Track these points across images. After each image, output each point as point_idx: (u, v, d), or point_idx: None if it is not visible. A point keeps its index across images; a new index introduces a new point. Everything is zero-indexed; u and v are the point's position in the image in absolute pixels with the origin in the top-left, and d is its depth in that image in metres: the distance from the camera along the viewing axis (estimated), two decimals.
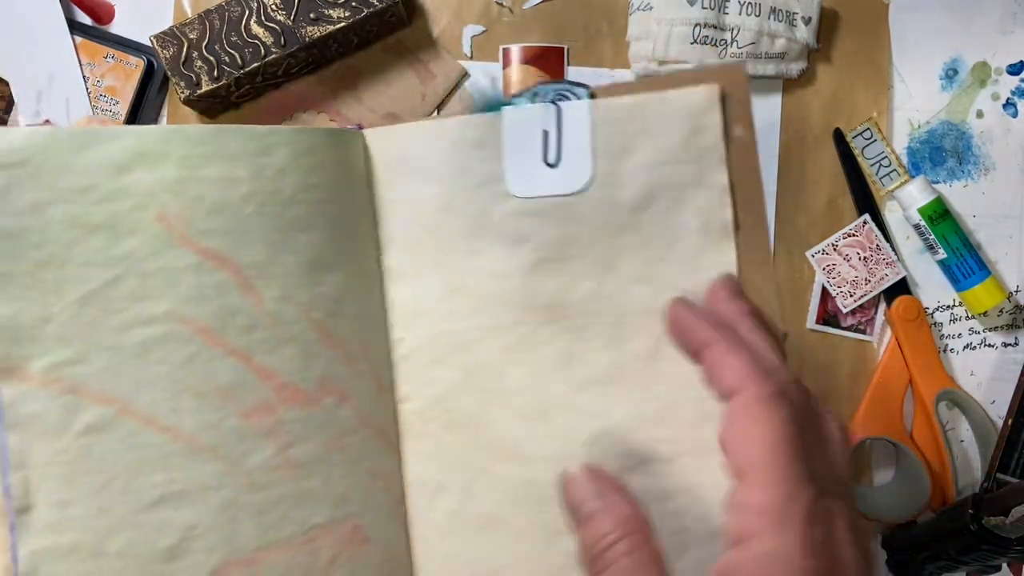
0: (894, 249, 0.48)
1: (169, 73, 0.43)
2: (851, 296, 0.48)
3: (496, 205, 0.35)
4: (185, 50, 0.43)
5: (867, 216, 0.48)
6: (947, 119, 0.49)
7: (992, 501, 0.42)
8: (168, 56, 0.43)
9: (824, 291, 0.48)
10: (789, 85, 0.48)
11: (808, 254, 0.48)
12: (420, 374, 0.36)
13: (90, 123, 0.45)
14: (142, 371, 0.31)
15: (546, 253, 0.35)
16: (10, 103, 0.46)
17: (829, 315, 0.48)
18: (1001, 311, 0.48)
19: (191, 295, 0.32)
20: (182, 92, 0.43)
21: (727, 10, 0.46)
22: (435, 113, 0.47)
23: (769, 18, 0.46)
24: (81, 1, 0.46)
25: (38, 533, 0.29)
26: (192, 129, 0.33)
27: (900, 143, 0.49)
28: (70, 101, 0.46)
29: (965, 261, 0.47)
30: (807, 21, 0.46)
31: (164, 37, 0.43)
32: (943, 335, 0.49)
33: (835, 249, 0.48)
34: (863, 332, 0.48)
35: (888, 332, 0.48)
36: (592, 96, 0.35)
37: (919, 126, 0.49)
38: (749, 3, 0.45)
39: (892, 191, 0.48)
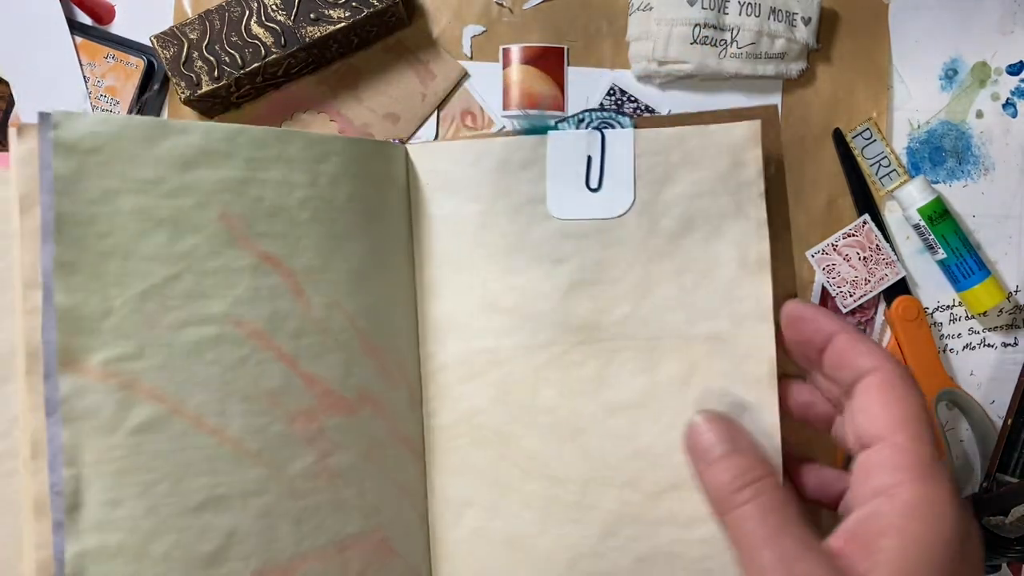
0: (894, 249, 0.48)
1: (169, 73, 0.43)
2: (851, 296, 0.48)
3: (536, 225, 0.36)
4: (185, 50, 0.43)
5: (867, 216, 0.48)
6: (947, 119, 0.49)
7: (992, 501, 0.42)
8: (168, 56, 0.43)
9: (824, 291, 0.48)
10: (789, 85, 0.48)
11: (808, 254, 0.48)
12: (450, 389, 0.36)
13: None
14: (194, 371, 0.30)
15: (583, 275, 0.36)
16: (10, 103, 0.46)
17: None
18: (1001, 311, 0.48)
19: (246, 297, 0.31)
20: (182, 92, 0.43)
21: (727, 10, 0.46)
22: (435, 113, 0.47)
23: (769, 18, 0.46)
24: (81, 1, 0.46)
25: (86, 532, 0.28)
26: (256, 130, 0.32)
27: (900, 143, 0.49)
28: (70, 101, 0.46)
29: (965, 261, 0.47)
30: (807, 21, 0.46)
31: (164, 37, 0.43)
32: (943, 335, 0.49)
33: (835, 249, 0.48)
34: (863, 332, 0.48)
35: (888, 332, 0.48)
36: (635, 126, 0.36)
37: (919, 126, 0.49)
38: (749, 3, 0.45)
39: (892, 191, 0.48)
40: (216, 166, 0.31)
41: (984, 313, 0.47)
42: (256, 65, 0.43)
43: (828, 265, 0.48)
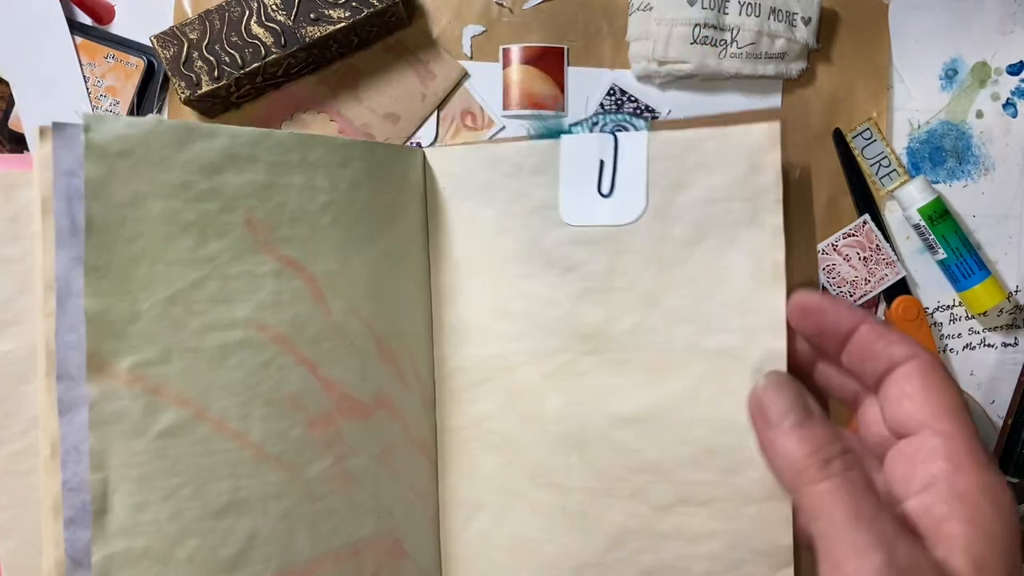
0: (894, 249, 0.48)
1: (169, 73, 0.43)
2: (851, 296, 0.48)
3: (549, 231, 0.35)
4: (185, 50, 0.43)
5: (867, 216, 0.48)
6: (947, 119, 0.49)
7: None
8: (168, 56, 0.43)
9: (824, 291, 0.48)
10: (789, 85, 0.48)
11: None
12: (462, 393, 0.36)
13: None
14: (218, 375, 0.30)
15: (594, 283, 0.35)
16: (10, 103, 0.46)
17: None
18: (1001, 311, 0.48)
19: (270, 302, 0.32)
20: (182, 92, 0.43)
21: (727, 10, 0.46)
22: (435, 113, 0.47)
23: (769, 18, 0.46)
24: (81, 1, 0.46)
25: (113, 537, 0.28)
26: (280, 135, 0.32)
27: (900, 143, 0.49)
28: (70, 101, 0.46)
29: (965, 261, 0.47)
30: (807, 21, 0.46)
31: (164, 37, 0.43)
32: (943, 335, 0.49)
33: (835, 249, 0.48)
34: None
35: None
36: (650, 129, 0.35)
37: (919, 126, 0.49)
38: (749, 3, 0.45)
39: (892, 191, 0.48)
40: (241, 170, 0.31)
41: (984, 313, 0.47)
42: (256, 65, 0.43)
43: (828, 265, 0.48)
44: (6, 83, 0.45)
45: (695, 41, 0.45)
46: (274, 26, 0.43)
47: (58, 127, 0.29)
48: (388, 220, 0.35)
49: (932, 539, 0.24)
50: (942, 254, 0.47)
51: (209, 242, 0.31)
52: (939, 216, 0.47)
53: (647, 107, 0.47)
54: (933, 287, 0.48)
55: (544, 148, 0.36)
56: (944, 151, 0.49)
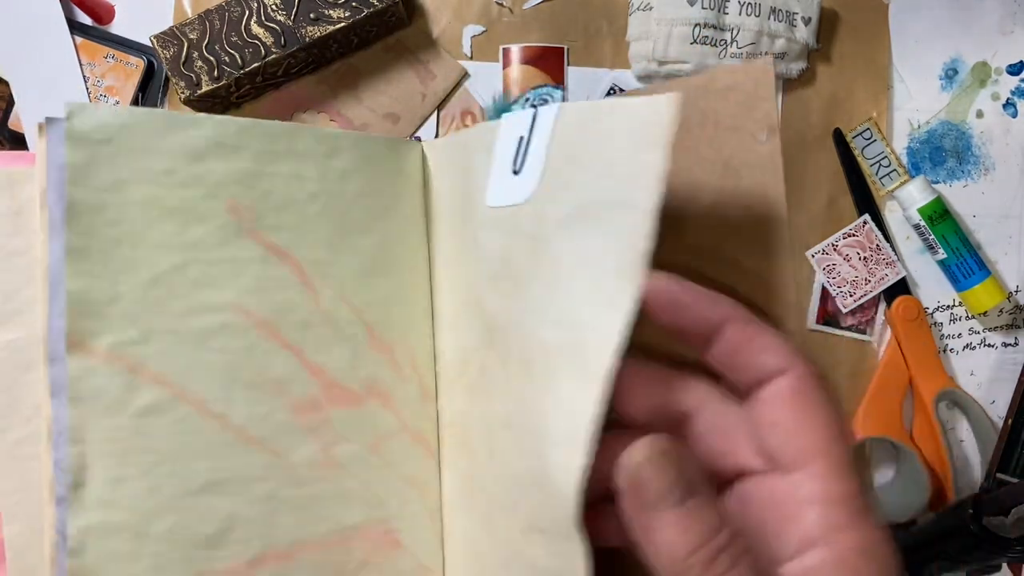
0: (894, 249, 0.48)
1: (169, 73, 0.43)
2: (851, 296, 0.48)
3: (479, 215, 0.33)
4: (185, 50, 0.43)
5: (867, 216, 0.48)
6: (947, 119, 0.49)
7: (992, 501, 0.42)
8: (168, 56, 0.43)
9: (824, 291, 0.48)
10: (789, 85, 0.48)
11: (808, 254, 0.48)
12: (448, 387, 0.36)
13: None
14: (199, 358, 0.31)
15: (494, 267, 0.32)
16: (10, 103, 0.46)
17: (829, 315, 0.48)
18: (1001, 311, 0.48)
19: (253, 287, 0.32)
20: (182, 92, 0.43)
21: (727, 10, 0.46)
22: (435, 113, 0.47)
23: (769, 18, 0.46)
24: (81, 1, 0.46)
25: (90, 509, 0.29)
26: (268, 124, 0.33)
27: (900, 143, 0.49)
28: (70, 101, 0.46)
29: (965, 261, 0.47)
30: (807, 21, 0.46)
31: (164, 37, 0.43)
32: (943, 335, 0.49)
33: (835, 249, 0.48)
34: (863, 332, 0.48)
35: (888, 332, 0.48)
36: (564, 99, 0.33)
37: (919, 126, 0.49)
38: (749, 3, 0.45)
39: (892, 191, 0.48)
40: (226, 158, 0.32)
41: (984, 313, 0.47)
42: (256, 65, 0.43)
43: (828, 265, 0.48)
44: (6, 83, 0.45)
45: (695, 41, 0.45)
46: (274, 26, 0.43)
47: (51, 121, 0.30)
48: (382, 210, 0.35)
49: None
50: (942, 254, 0.47)
51: (192, 227, 0.31)
52: (939, 216, 0.47)
53: None
54: (933, 287, 0.48)
55: (489, 128, 0.33)
56: (944, 151, 0.49)
